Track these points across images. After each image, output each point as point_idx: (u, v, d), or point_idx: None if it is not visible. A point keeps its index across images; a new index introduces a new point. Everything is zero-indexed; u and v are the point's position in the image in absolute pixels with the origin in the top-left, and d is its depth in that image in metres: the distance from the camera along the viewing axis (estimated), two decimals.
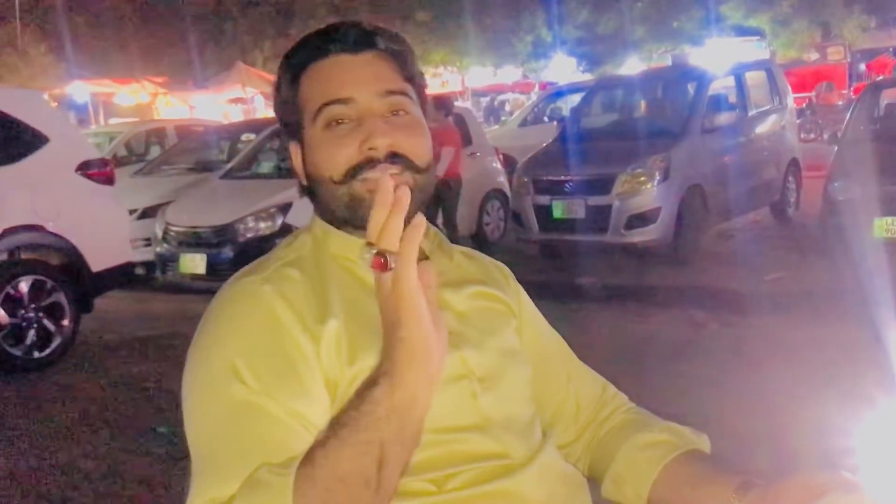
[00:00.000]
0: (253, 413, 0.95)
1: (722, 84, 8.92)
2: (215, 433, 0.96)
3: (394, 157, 1.05)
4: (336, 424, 0.87)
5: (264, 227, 7.19)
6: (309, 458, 0.86)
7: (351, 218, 1.09)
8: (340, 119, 1.06)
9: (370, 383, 0.87)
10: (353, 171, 1.05)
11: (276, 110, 1.16)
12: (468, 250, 1.30)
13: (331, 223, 1.14)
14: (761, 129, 9.02)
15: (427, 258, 1.17)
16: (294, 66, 1.12)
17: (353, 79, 1.07)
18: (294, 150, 1.14)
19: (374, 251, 0.83)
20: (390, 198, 0.83)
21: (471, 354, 1.10)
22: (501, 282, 1.27)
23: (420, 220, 0.84)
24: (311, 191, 1.15)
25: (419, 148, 1.08)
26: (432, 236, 1.22)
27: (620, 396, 1.36)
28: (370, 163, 1.05)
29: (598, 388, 1.35)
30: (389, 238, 0.83)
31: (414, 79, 1.12)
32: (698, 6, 23.20)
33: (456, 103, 10.07)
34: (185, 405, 1.01)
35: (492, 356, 1.13)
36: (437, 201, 7.06)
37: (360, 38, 1.09)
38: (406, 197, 0.84)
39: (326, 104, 1.07)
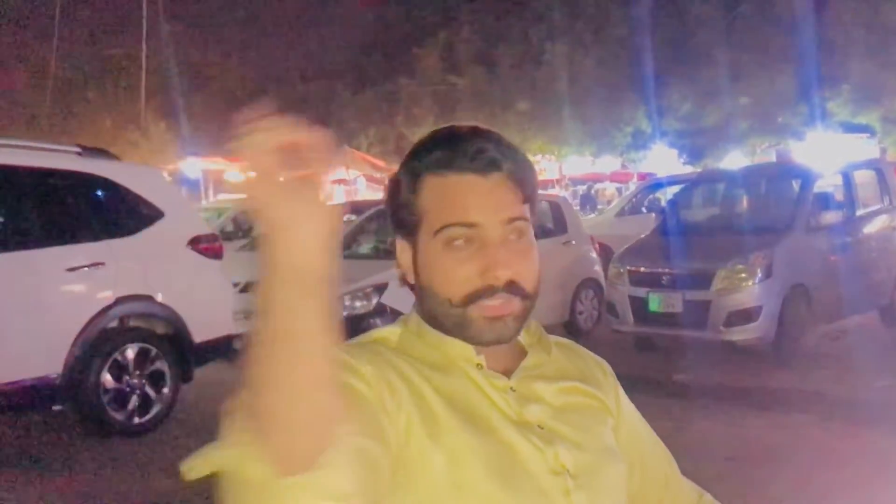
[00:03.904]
0: None
1: (828, 182, 8.72)
2: None
3: (510, 285, 1.07)
4: None
5: (360, 306, 7.31)
6: None
7: (457, 335, 1.11)
8: (462, 239, 1.08)
9: None
10: (472, 298, 1.07)
11: (389, 206, 1.16)
12: (568, 343, 1.30)
13: (430, 323, 1.15)
14: (870, 229, 8.73)
15: (527, 352, 1.19)
16: (416, 169, 1.11)
17: (480, 204, 1.07)
18: (402, 247, 1.15)
19: None
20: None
21: (565, 451, 1.09)
22: (599, 378, 1.26)
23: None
24: (416, 290, 1.16)
25: (532, 275, 1.10)
26: (533, 329, 1.22)
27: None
28: (490, 290, 1.06)
29: (694, 496, 1.33)
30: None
31: (531, 198, 1.13)
32: (804, 102, 22.89)
33: (551, 191, 10.15)
34: None
35: (587, 453, 1.12)
36: None
37: (489, 163, 1.09)
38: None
39: (451, 225, 1.07)
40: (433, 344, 1.12)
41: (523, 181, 1.11)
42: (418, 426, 1.01)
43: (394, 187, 1.15)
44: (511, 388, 1.12)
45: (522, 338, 1.20)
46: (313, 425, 0.78)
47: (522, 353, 1.18)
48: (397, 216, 1.15)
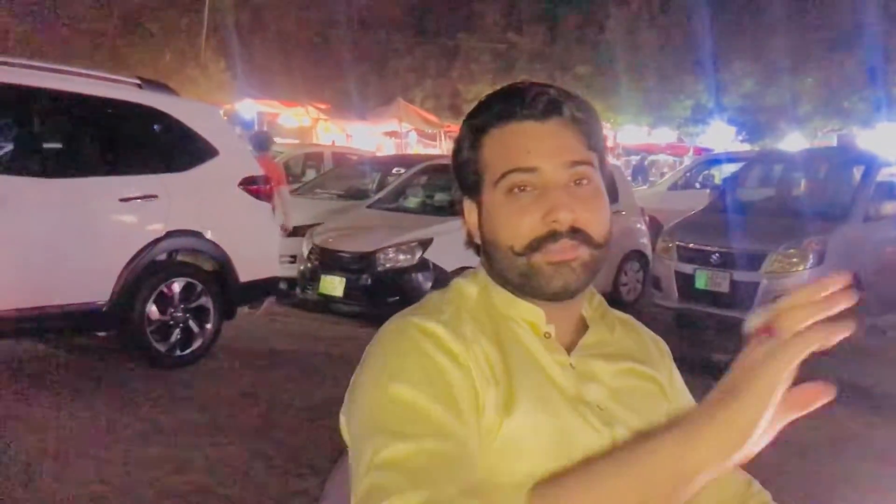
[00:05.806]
0: (420, 408, 0.94)
1: (892, 172, 8.47)
2: (380, 416, 0.95)
3: (574, 231, 1.05)
4: (595, 458, 0.88)
5: (403, 259, 7.33)
6: (548, 481, 0.89)
7: (523, 286, 1.08)
8: (523, 186, 1.05)
9: (659, 428, 0.83)
10: (536, 244, 1.04)
11: (453, 167, 1.15)
12: (628, 319, 1.27)
13: (498, 283, 1.13)
14: None
15: (588, 327, 1.16)
16: (477, 127, 1.10)
17: (539, 148, 1.05)
18: (469, 208, 1.14)
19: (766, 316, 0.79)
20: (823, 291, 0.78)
21: (622, 432, 1.07)
22: (655, 357, 1.23)
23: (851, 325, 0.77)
24: (482, 249, 1.15)
25: (598, 223, 1.07)
26: (596, 304, 1.20)
27: (764, 493, 1.29)
28: (552, 235, 1.04)
29: (741, 484, 1.28)
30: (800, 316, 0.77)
31: (598, 147, 1.10)
32: (872, 87, 22.19)
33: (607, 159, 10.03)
34: (353, 419, 1.00)
35: None
36: None
37: (547, 106, 1.07)
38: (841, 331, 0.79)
39: (511, 171, 1.05)
40: (503, 307, 1.10)
41: (586, 126, 1.08)
42: (493, 399, 1.00)
43: (457, 147, 1.14)
44: (571, 364, 1.10)
45: (585, 310, 1.18)
46: None
47: (584, 328, 1.16)
48: (461, 175, 1.14)
